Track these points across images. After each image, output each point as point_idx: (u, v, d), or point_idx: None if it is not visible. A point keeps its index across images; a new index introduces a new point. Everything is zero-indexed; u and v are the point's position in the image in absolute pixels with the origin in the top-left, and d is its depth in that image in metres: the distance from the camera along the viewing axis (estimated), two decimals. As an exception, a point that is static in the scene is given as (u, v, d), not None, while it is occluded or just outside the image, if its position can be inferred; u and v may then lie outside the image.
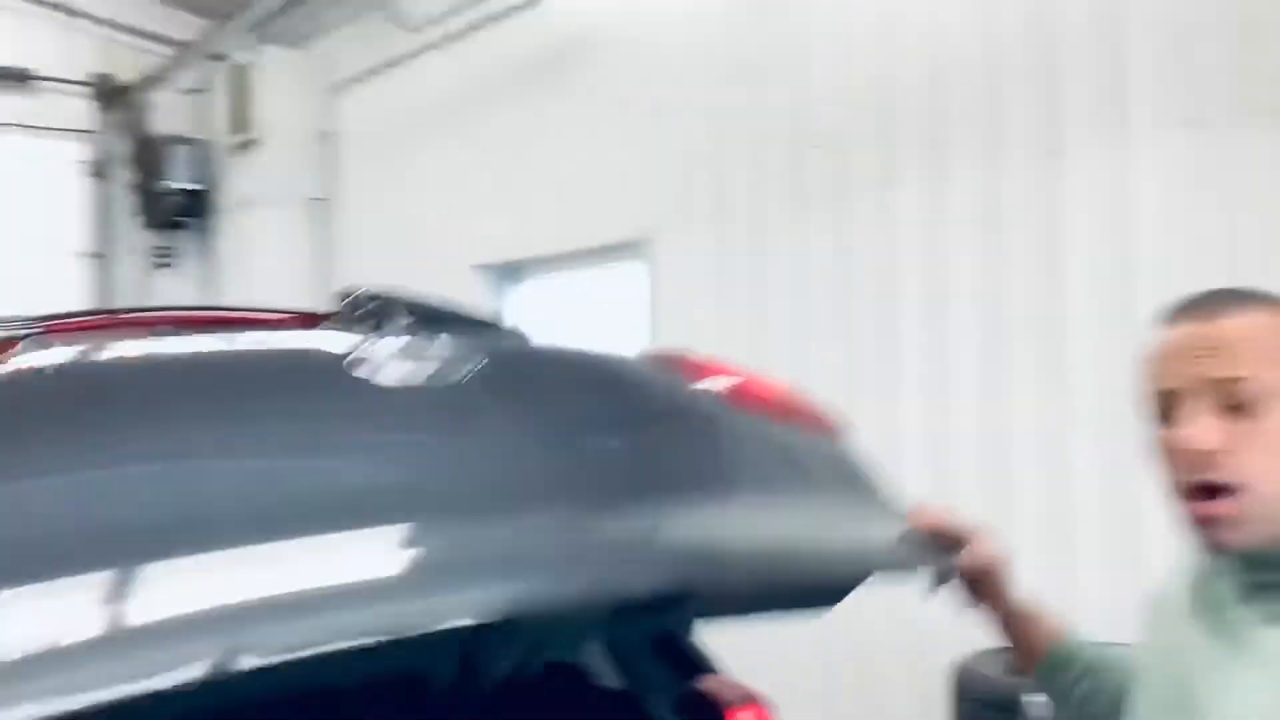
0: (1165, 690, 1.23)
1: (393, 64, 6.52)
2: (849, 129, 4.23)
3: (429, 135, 6.33)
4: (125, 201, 7.59)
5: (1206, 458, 1.14)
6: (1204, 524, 1.16)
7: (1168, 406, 1.18)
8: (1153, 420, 1.21)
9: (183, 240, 7.67)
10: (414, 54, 6.34)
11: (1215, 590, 1.23)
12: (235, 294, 7.49)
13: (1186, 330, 1.19)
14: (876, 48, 4.15)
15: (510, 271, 6.06)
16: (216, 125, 7.39)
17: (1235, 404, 1.14)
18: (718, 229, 4.74)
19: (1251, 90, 3.20)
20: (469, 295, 6.03)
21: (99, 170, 7.55)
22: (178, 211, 7.48)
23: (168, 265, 7.65)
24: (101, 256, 7.54)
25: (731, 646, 2.12)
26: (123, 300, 7.54)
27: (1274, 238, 3.17)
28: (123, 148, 7.59)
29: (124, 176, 7.60)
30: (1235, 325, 1.17)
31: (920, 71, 4.02)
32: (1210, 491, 1.14)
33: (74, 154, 7.42)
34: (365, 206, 6.89)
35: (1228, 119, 3.25)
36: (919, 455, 4.01)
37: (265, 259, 7.19)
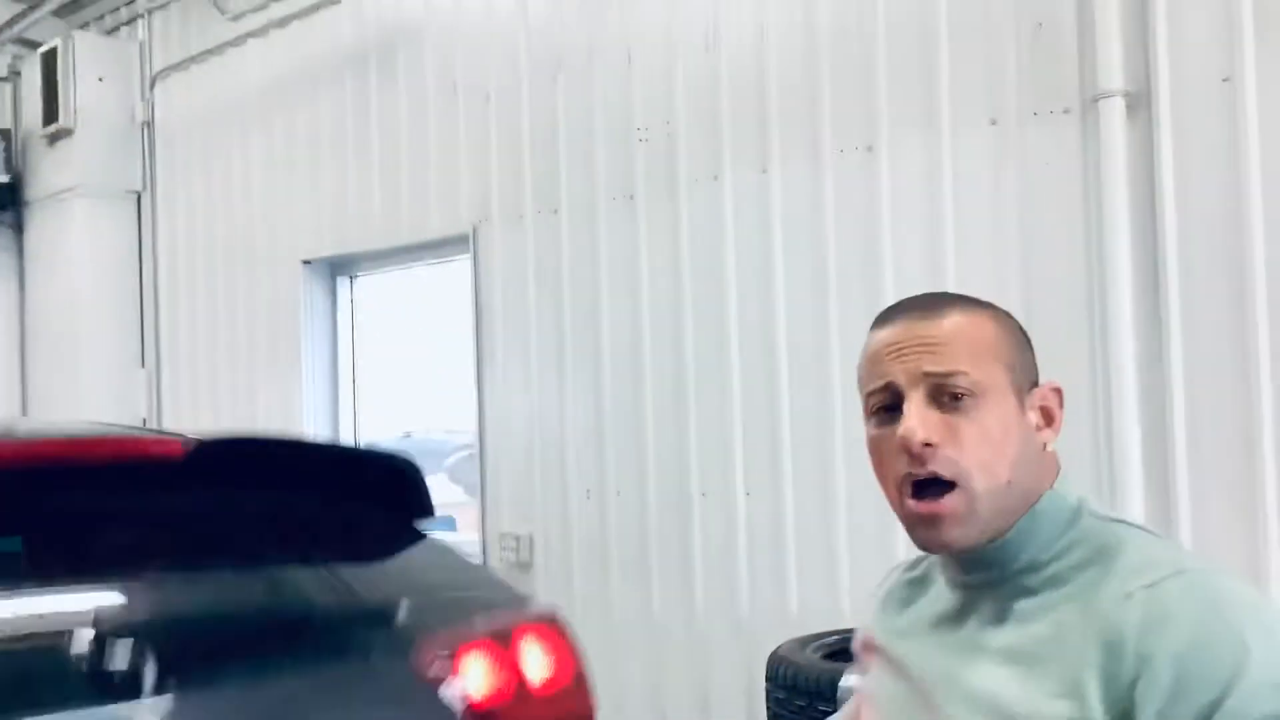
0: (901, 694, 1.25)
1: (212, 51, 6.30)
2: (675, 121, 4.27)
3: (252, 125, 6.14)
4: (-74, 194, 7.16)
5: (927, 450, 1.14)
6: (924, 521, 1.17)
7: (884, 402, 1.19)
8: (869, 417, 1.22)
9: (-10, 234, 7.28)
10: (234, 41, 6.14)
11: (936, 589, 1.27)
12: (47, 289, 7.15)
13: (906, 326, 1.20)
14: (700, 42, 4.20)
15: (340, 266, 5.93)
16: (27, 114, 7.03)
17: (952, 398, 1.15)
18: (546, 221, 4.72)
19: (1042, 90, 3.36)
20: (297, 291, 5.90)
21: (-105, 161, 7.11)
22: (-14, 203, 7.09)
23: (-26, 261, 7.25)
24: (-101, 252, 7.10)
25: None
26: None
27: (1063, 224, 3.33)
28: (-77, 137, 7.17)
29: (-75, 167, 7.18)
30: (954, 323, 1.19)
31: (743, 65, 4.07)
32: (929, 487, 1.16)
33: None
34: (186, 199, 6.65)
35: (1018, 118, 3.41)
36: (747, 447, 4.08)
37: (79, 252, 6.87)
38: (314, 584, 1.95)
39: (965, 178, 3.56)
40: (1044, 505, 1.20)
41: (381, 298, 5.91)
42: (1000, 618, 1.19)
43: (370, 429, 5.92)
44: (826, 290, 3.86)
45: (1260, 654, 1.03)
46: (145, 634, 1.65)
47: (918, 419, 1.15)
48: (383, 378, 5.91)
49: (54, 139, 6.79)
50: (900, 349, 1.19)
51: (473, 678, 1.86)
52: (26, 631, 1.65)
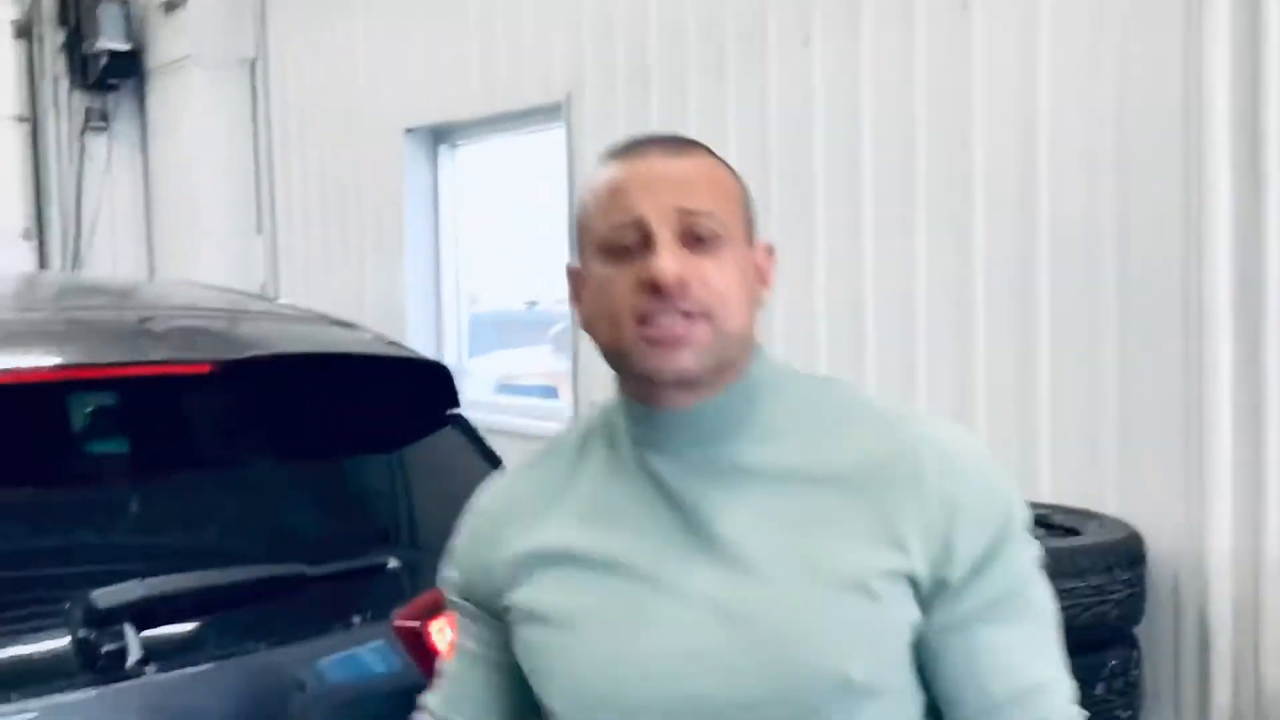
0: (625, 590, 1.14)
1: (320, -82, 6.32)
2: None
3: (357, -7, 6.17)
4: (55, 63, 7.40)
5: (678, 288, 1.09)
6: (666, 346, 1.10)
7: (626, 239, 1.12)
8: (599, 254, 1.14)
9: (115, 102, 7.51)
10: (340, -93, 6.14)
11: (599, 485, 1.19)
12: (167, 155, 7.38)
13: (654, 162, 1.14)
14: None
15: (441, 134, 5.97)
16: (145, -17, 7.19)
17: (698, 237, 1.11)
18: (637, 91, 4.67)
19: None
20: (401, 159, 5.97)
21: (26, 31, 7.35)
22: (109, 73, 7.30)
23: (101, 128, 7.50)
24: (30, 120, 7.38)
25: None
26: (55, 163, 7.43)
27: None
28: (51, 7, 7.39)
29: (53, 37, 7.41)
30: (702, 164, 1.15)
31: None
32: (669, 318, 1.10)
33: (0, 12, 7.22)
34: (296, 67, 6.75)
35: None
36: (831, 318, 4.04)
37: (196, 121, 7.06)
38: (356, 487, 2.01)
39: (1063, 37, 3.40)
40: (764, 365, 1.17)
41: (484, 167, 5.94)
42: (759, 481, 1.13)
43: (478, 297, 6.02)
44: (914, 161, 3.76)
45: (999, 469, 1.15)
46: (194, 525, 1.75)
47: (672, 257, 1.09)
48: (489, 247, 5.98)
49: (169, 8, 6.93)
50: (649, 184, 1.12)
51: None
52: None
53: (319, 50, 6.52)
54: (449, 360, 5.93)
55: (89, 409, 1.91)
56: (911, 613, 1.10)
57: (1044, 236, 3.46)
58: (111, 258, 7.48)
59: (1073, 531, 3.17)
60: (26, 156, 7.35)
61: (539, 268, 5.29)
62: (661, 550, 1.14)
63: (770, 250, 1.21)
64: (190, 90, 7.05)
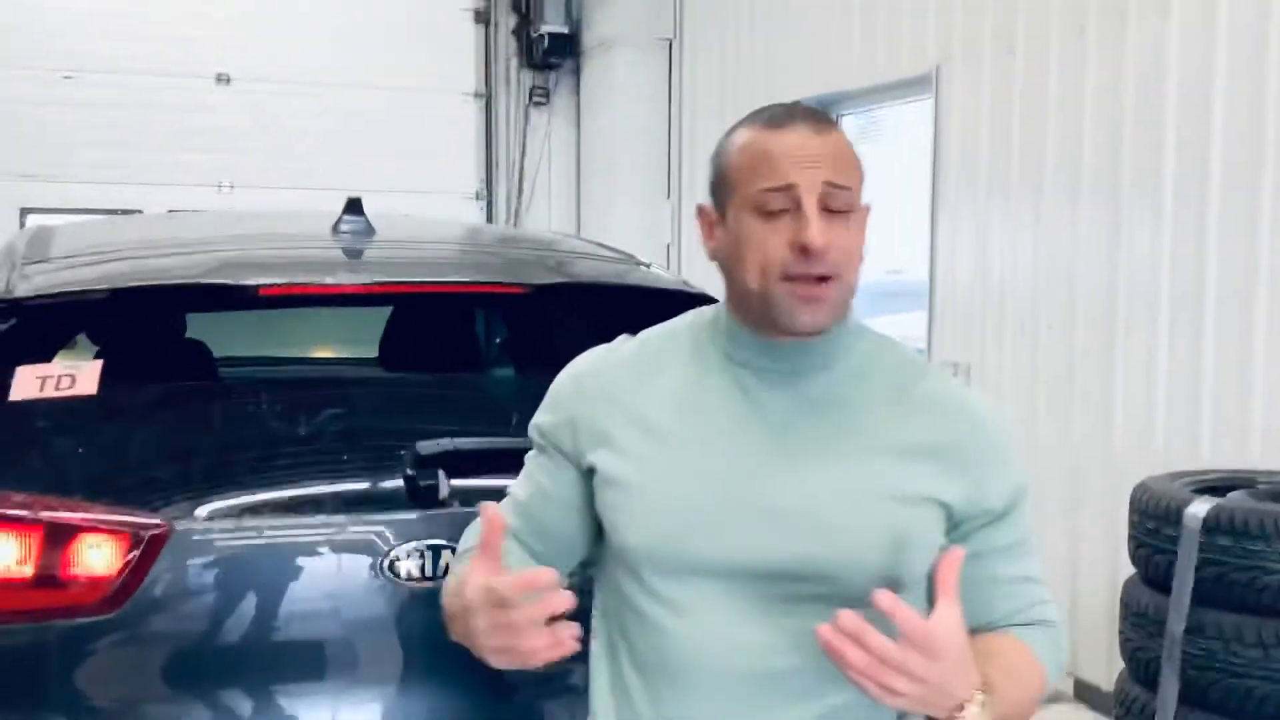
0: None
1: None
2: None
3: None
4: (507, 45, 8.44)
5: (824, 251, 1.27)
6: (807, 303, 1.29)
7: (778, 203, 1.28)
8: (752, 212, 1.30)
9: (555, 80, 8.45)
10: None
11: (690, 384, 1.38)
12: (595, 127, 8.22)
13: (806, 136, 1.29)
14: None
15: (826, 105, 6.31)
16: (587, -30, 8.04)
17: (835, 208, 1.28)
18: (1001, 61, 4.80)
19: None
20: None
21: (484, 17, 8.43)
22: (550, 53, 8.24)
23: (543, 103, 8.47)
24: (485, 96, 8.47)
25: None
26: (504, 134, 8.48)
27: None
28: (505, -5, 8.43)
29: (506, 22, 8.44)
30: (841, 141, 1.33)
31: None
32: (813, 280, 1.29)
33: (464, 2, 8.34)
34: (706, 46, 7.32)
35: None
36: (1173, 283, 4.03)
37: (620, 96, 7.83)
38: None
39: None
40: (851, 317, 1.39)
41: (859, 138, 6.22)
42: (837, 411, 1.35)
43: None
44: (1264, 133, 3.69)
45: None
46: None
47: (820, 225, 1.27)
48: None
49: (604, -8, 7.72)
50: (802, 156, 1.28)
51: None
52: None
53: (725, 30, 7.05)
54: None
55: (442, 316, 2.48)
56: (939, 533, 1.34)
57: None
58: (547, 216, 8.45)
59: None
60: (480, 128, 8.44)
61: (904, 236, 5.53)
62: (741, 448, 1.34)
63: (868, 211, 1.37)
64: (616, 68, 7.84)
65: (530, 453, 1.49)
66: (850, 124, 6.24)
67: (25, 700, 1.81)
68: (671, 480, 1.34)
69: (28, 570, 1.79)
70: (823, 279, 1.29)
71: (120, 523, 1.83)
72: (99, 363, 1.98)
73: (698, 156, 7.42)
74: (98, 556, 1.82)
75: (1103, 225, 4.30)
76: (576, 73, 8.39)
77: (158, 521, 1.85)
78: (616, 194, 7.97)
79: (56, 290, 1.99)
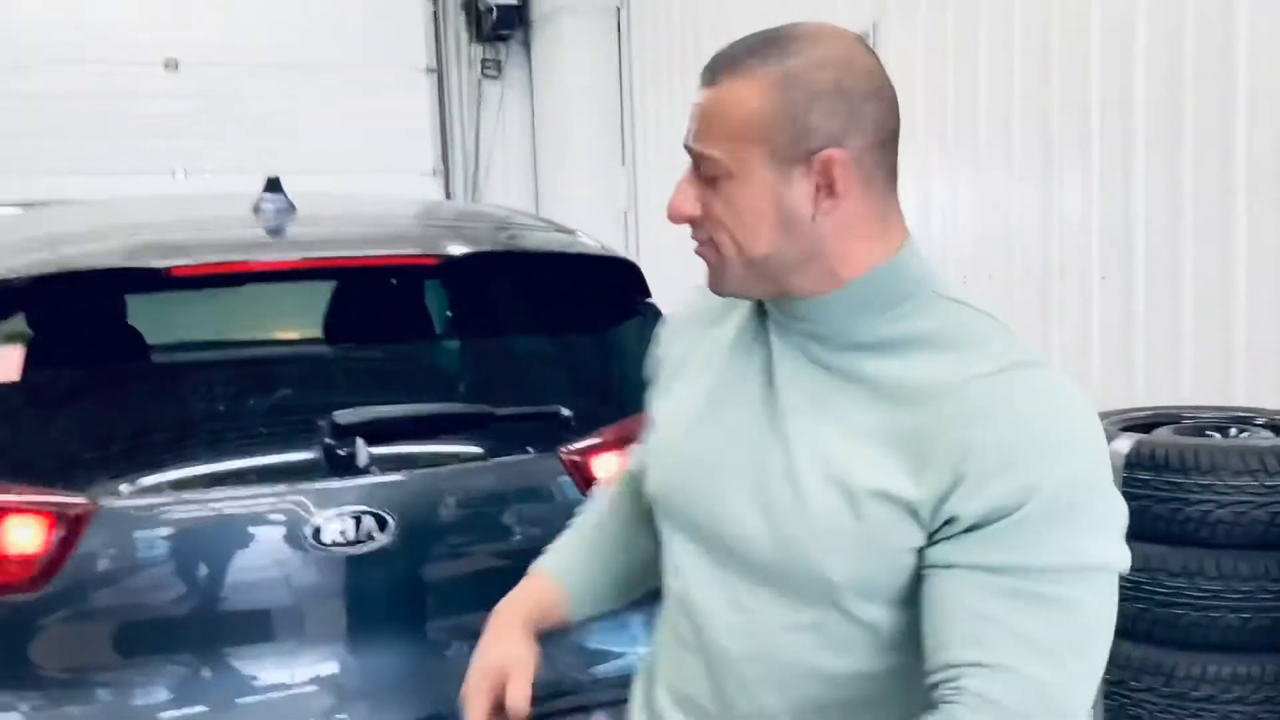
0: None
1: None
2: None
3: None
4: (456, 19, 8.44)
5: (679, 221, 1.18)
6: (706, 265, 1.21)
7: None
8: None
9: (505, 52, 8.46)
10: None
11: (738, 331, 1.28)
12: (547, 97, 8.24)
13: (697, 91, 1.17)
14: None
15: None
16: (528, -58, 8.04)
17: (708, 176, 1.15)
18: (935, 16, 4.85)
19: None
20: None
21: (432, -10, 8.43)
22: (499, 24, 8.24)
23: (494, 76, 8.49)
24: (436, 71, 8.48)
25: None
26: (457, 109, 8.48)
27: None
28: (452, -32, 8.42)
29: (454, -5, 8.44)
30: (717, 97, 1.14)
31: None
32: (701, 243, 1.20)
33: (411, -24, 8.34)
34: (653, 14, 7.34)
35: None
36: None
37: (570, 65, 7.85)
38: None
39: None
40: (868, 278, 1.16)
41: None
42: (834, 380, 1.17)
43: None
44: (1181, 78, 3.76)
45: (1084, 449, 1.08)
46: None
47: (681, 193, 1.18)
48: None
49: (548, -38, 7.73)
50: (690, 115, 1.18)
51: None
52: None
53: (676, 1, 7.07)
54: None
55: (359, 290, 2.56)
56: (904, 536, 1.09)
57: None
58: (503, 189, 8.49)
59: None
60: (433, 103, 8.46)
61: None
62: (740, 411, 1.23)
63: (829, 163, 1.13)
64: (565, 38, 7.86)
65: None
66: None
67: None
68: (680, 430, 1.29)
69: (-45, 552, 1.85)
70: (708, 241, 1.18)
71: (45, 503, 1.89)
72: (17, 348, 2.03)
73: (649, 122, 7.46)
74: (24, 536, 1.88)
75: (1034, 176, 4.38)
76: (526, 44, 8.40)
77: (82, 500, 1.91)
78: (572, 163, 8.01)
79: (-26, 280, 2.05)
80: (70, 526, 1.88)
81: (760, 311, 1.25)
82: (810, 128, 1.12)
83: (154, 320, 2.31)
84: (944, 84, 4.82)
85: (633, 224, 7.75)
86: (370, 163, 7.79)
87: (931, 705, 1.07)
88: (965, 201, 4.76)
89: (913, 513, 1.09)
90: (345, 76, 7.96)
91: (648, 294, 2.58)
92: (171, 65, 7.70)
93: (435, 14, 8.43)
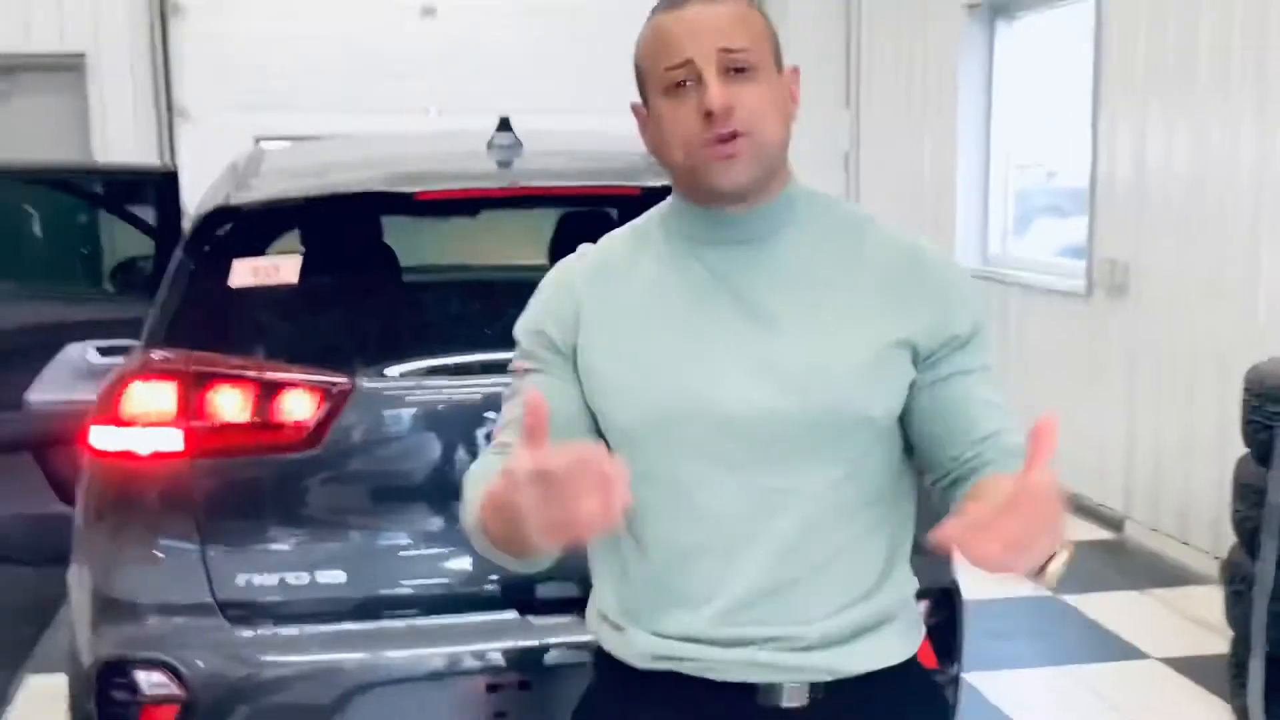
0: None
1: None
2: None
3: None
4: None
5: (728, 112, 1.34)
6: (724, 161, 1.36)
7: (679, 77, 1.37)
8: (661, 92, 1.39)
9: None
10: None
11: (659, 267, 1.45)
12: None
13: (696, 10, 1.37)
14: None
15: (999, 8, 6.37)
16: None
17: (738, 71, 1.35)
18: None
19: None
20: (957, 36, 6.46)
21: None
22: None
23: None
24: (671, 14, 8.75)
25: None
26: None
27: None
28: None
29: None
30: (733, 8, 1.38)
31: None
32: (724, 141, 1.35)
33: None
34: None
35: None
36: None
37: (799, 7, 7.98)
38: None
39: None
40: (796, 184, 1.46)
41: (1046, 39, 6.23)
42: (796, 272, 1.42)
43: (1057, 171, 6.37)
44: None
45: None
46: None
47: (720, 89, 1.34)
48: (1039, 119, 6.29)
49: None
50: (694, 31, 1.36)
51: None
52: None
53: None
54: (995, 228, 6.46)
55: (577, 218, 2.90)
56: (910, 370, 1.41)
57: None
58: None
59: None
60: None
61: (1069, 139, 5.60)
62: (715, 320, 1.41)
63: (795, 72, 1.44)
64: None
65: (515, 376, 1.50)
66: (1020, 30, 6.29)
67: (252, 513, 2.36)
68: (656, 354, 1.41)
69: (247, 416, 2.32)
70: (732, 136, 1.35)
71: (316, 380, 2.34)
72: (298, 256, 2.49)
73: (877, 65, 7.56)
74: (299, 406, 2.33)
75: (1248, 118, 4.35)
76: (759, -11, 8.59)
77: (344, 380, 2.34)
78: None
79: (263, 199, 2.52)
80: (335, 400, 2.32)
81: (675, 247, 1.46)
82: (778, 45, 1.43)
83: (402, 237, 2.73)
84: (1164, 27, 4.80)
85: (854, 166, 7.89)
86: (608, 102, 8.13)
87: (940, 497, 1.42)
88: (1181, 146, 4.75)
89: (912, 348, 1.40)
90: (585, 18, 8.29)
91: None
92: (429, 12, 8.26)
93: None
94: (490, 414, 2.32)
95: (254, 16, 8.12)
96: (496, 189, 2.60)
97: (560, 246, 2.90)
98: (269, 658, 2.30)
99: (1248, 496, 3.38)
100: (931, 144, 6.83)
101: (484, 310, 2.61)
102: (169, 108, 8.25)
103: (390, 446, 2.39)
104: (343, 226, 2.63)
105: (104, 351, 3.17)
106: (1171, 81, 4.79)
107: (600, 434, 1.45)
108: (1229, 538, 3.54)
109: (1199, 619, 4.19)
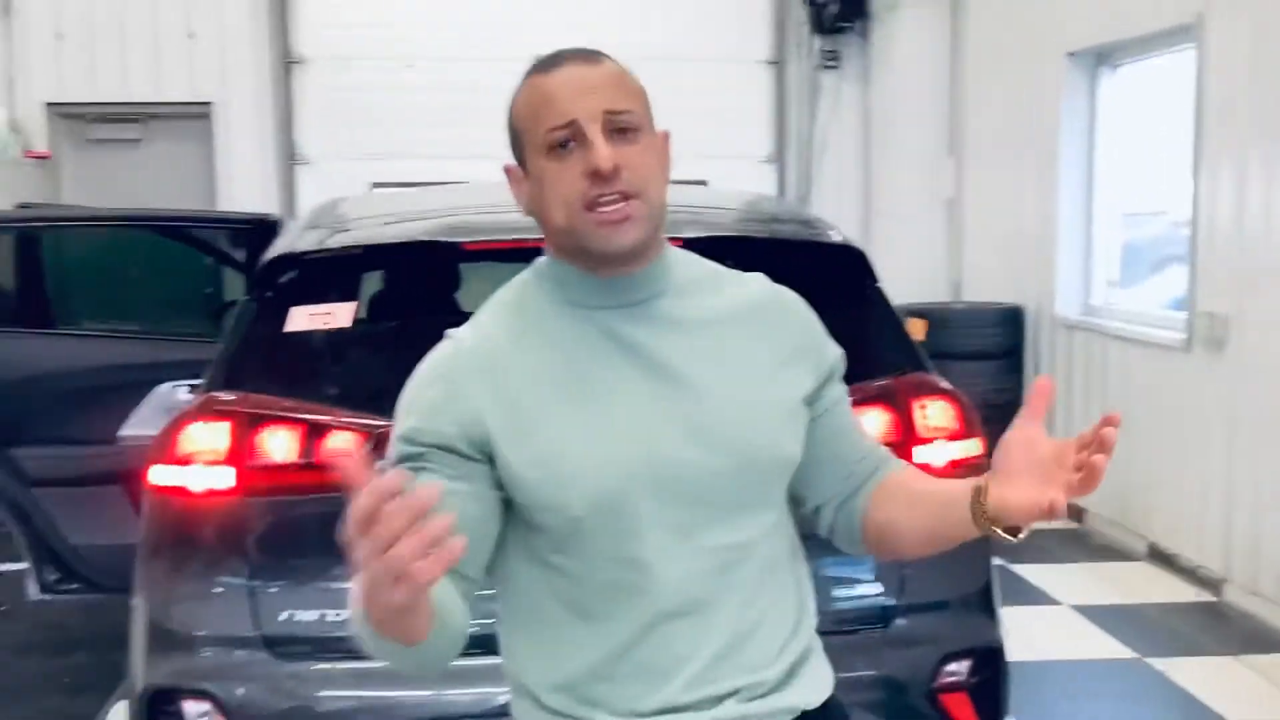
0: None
1: None
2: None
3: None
4: (798, 12, 8.75)
5: (615, 172, 1.33)
6: (612, 224, 1.35)
7: (562, 139, 1.35)
8: (545, 152, 1.36)
9: (845, 43, 8.68)
10: None
11: (554, 343, 1.41)
12: (881, 89, 8.40)
13: (575, 72, 1.37)
14: None
15: (1103, 56, 6.26)
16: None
17: (622, 132, 1.35)
18: (1270, 9, 4.70)
19: None
20: (1057, 89, 6.35)
21: (777, -14, 8.78)
22: (840, 17, 8.47)
23: (833, 66, 8.73)
24: (776, 63, 8.83)
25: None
26: (794, 99, 8.79)
27: None
28: (796, -38, 8.72)
29: (797, -11, 8.74)
30: (615, 70, 1.39)
31: None
32: (611, 203, 1.34)
33: (757, -30, 8.73)
34: (991, 2, 7.35)
35: None
36: None
37: (906, 57, 7.98)
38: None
39: None
40: (667, 248, 1.46)
41: (1146, 89, 6.11)
42: (684, 325, 1.43)
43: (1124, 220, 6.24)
44: None
45: None
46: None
47: (607, 149, 1.33)
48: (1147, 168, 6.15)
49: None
50: (578, 90, 1.35)
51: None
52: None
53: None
54: (1099, 277, 6.32)
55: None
56: (805, 410, 1.49)
57: None
58: (836, 177, 8.72)
59: None
60: (773, 94, 8.81)
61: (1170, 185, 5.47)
62: (633, 389, 1.39)
63: (667, 136, 1.44)
64: (902, 28, 7.99)
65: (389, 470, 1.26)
66: (1122, 78, 6.18)
67: (298, 551, 2.45)
68: (590, 438, 1.37)
69: (296, 456, 2.42)
70: (624, 197, 1.34)
71: (359, 424, 2.42)
72: (353, 304, 2.58)
73: (981, 112, 7.49)
74: (346, 446, 2.41)
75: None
76: (864, 35, 8.59)
77: (387, 422, 2.41)
78: (898, 151, 8.15)
79: (319, 248, 2.62)
80: (377, 441, 2.40)
81: (564, 317, 1.41)
82: (649, 106, 1.42)
83: (458, 284, 2.81)
84: (1272, 75, 4.67)
85: (957, 213, 7.80)
86: (710, 149, 8.21)
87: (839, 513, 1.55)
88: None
89: (803, 388, 1.48)
90: (694, 69, 8.38)
91: (875, 279, 2.83)
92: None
93: (779, 7, 8.77)
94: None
95: (373, 67, 8.43)
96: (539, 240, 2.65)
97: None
98: (310, 692, 2.38)
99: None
100: (1034, 192, 6.72)
101: None
102: (291, 155, 8.60)
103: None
104: (397, 274, 2.73)
105: (193, 389, 3.31)
106: (1274, 129, 4.65)
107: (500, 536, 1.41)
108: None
109: (1296, 689, 4.01)
